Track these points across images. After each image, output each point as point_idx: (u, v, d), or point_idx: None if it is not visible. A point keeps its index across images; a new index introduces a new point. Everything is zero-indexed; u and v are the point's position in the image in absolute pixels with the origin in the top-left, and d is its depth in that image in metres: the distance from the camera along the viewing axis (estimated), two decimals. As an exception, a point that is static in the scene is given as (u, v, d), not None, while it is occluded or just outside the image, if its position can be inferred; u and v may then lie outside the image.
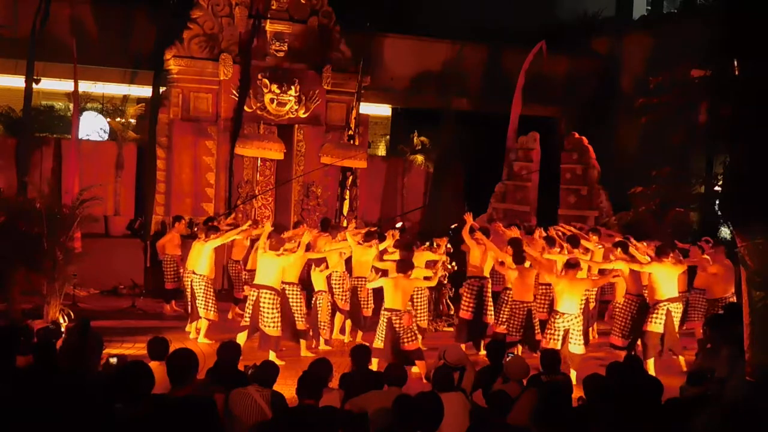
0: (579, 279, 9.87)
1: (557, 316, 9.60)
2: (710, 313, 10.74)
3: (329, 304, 11.11)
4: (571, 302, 9.61)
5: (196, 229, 12.77)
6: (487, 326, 11.18)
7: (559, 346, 9.39)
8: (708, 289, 11.51)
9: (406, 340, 9.36)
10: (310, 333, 10.88)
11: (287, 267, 10.55)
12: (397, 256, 10.41)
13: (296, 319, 10.50)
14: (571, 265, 9.75)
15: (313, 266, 11.02)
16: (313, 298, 10.97)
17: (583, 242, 11.39)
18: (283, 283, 10.58)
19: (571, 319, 9.61)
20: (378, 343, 9.40)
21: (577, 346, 9.60)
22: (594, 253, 11.23)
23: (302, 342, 10.62)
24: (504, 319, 10.73)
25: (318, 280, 11.01)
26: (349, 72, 15.89)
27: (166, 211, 14.89)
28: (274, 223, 11.62)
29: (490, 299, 11.15)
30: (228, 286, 13.29)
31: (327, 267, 11.11)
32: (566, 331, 9.55)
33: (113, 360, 6.56)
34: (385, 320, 9.38)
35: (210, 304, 11.21)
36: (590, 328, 11.66)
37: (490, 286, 11.25)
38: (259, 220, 14.17)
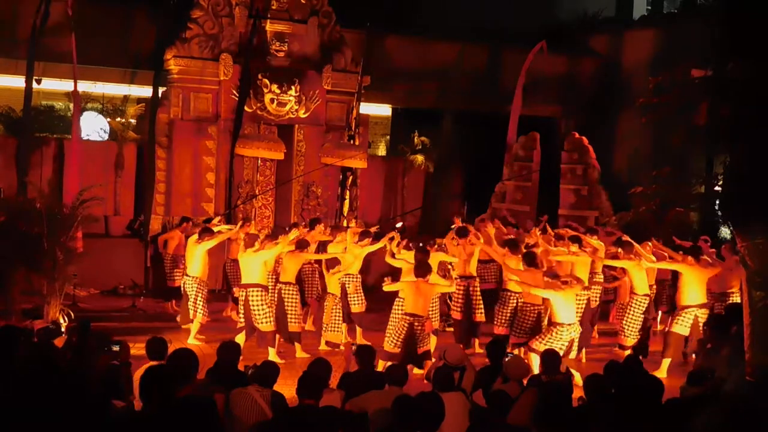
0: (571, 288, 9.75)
1: (561, 328, 9.23)
2: (715, 308, 10.80)
3: (336, 307, 11.07)
4: (569, 311, 9.35)
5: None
6: (478, 325, 11.15)
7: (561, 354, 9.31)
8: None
9: (421, 345, 9.32)
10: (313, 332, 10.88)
11: (285, 266, 10.57)
12: (409, 256, 10.37)
13: (289, 320, 10.49)
14: (556, 276, 9.55)
15: (324, 267, 11.01)
16: (323, 299, 10.94)
17: (589, 240, 11.36)
18: (279, 282, 10.60)
19: (575, 329, 9.41)
20: (391, 347, 9.31)
21: (573, 352, 9.53)
22: (599, 251, 11.22)
23: (297, 345, 10.60)
24: (504, 321, 10.72)
25: (332, 282, 10.92)
26: (349, 72, 15.88)
27: (166, 211, 14.88)
28: (275, 226, 11.64)
29: (479, 298, 11.13)
30: (227, 286, 13.27)
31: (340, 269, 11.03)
32: (571, 342, 9.42)
33: (116, 348, 6.55)
34: (406, 325, 9.25)
35: (200, 307, 11.21)
36: (593, 329, 11.68)
37: (477, 284, 11.23)
38: (252, 218, 14.18)
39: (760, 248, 5.89)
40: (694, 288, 10.32)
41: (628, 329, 10.62)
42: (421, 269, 9.41)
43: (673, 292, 11.65)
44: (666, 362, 10.27)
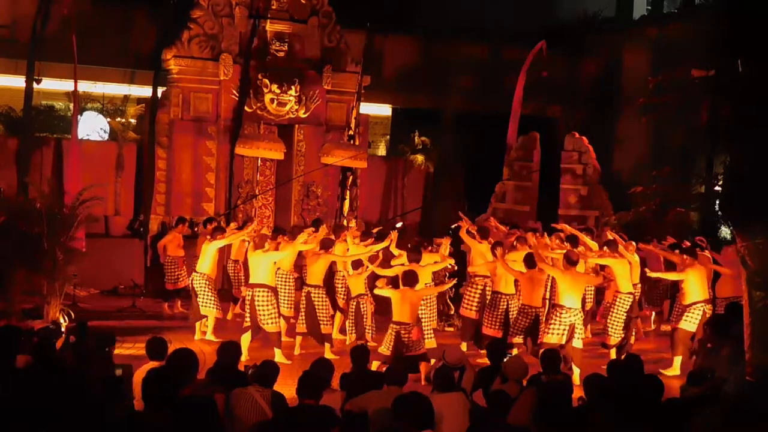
0: (582, 275, 9.93)
1: (562, 311, 9.55)
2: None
3: (372, 305, 10.96)
4: (574, 297, 9.64)
5: (197, 229, 12.75)
6: None
7: (563, 341, 9.42)
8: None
9: (413, 350, 9.30)
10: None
11: (311, 268, 10.56)
12: (404, 259, 10.39)
13: (321, 322, 10.48)
14: (572, 261, 9.79)
15: (349, 270, 10.95)
16: (354, 303, 10.85)
17: (586, 240, 11.43)
18: (306, 285, 10.62)
19: (576, 314, 9.62)
20: (384, 349, 9.30)
21: (579, 341, 9.64)
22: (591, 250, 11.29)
23: (326, 345, 10.54)
24: (496, 323, 10.72)
25: (356, 284, 10.84)
26: (349, 72, 15.88)
27: (166, 211, 14.87)
28: (276, 226, 11.60)
29: None
30: (227, 286, 13.26)
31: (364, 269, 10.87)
32: (572, 326, 9.56)
33: (119, 371, 6.54)
34: (394, 333, 9.22)
35: (210, 302, 11.18)
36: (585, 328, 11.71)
37: (492, 285, 11.23)
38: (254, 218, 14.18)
39: (760, 248, 5.89)
40: (697, 285, 10.53)
41: (612, 328, 10.67)
42: (409, 278, 9.38)
43: (673, 291, 11.71)
44: (677, 360, 10.41)
